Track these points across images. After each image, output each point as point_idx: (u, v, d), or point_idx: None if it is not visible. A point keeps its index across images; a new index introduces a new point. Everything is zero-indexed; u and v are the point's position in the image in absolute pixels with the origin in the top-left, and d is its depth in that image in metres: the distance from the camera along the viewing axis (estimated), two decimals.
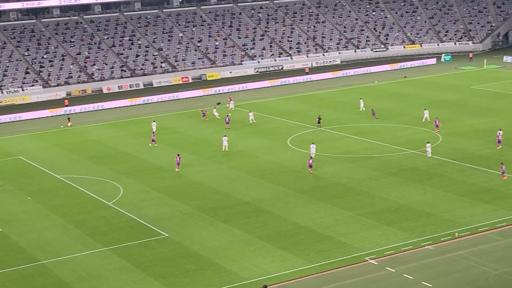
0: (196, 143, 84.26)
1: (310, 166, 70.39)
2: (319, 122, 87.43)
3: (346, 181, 67.16)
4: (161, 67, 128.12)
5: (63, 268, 50.95)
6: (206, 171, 72.87)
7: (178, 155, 73.97)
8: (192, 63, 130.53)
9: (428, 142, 74.22)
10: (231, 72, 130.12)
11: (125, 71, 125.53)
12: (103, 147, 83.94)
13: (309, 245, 52.92)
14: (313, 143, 75.19)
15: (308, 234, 55.03)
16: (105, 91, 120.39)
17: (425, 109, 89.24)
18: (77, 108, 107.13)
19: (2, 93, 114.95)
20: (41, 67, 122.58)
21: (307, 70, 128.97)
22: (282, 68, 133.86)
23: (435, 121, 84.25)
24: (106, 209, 63.06)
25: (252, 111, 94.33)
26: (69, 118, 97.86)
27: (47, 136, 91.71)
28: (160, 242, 54.92)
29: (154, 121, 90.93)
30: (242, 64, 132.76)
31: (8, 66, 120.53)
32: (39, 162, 78.81)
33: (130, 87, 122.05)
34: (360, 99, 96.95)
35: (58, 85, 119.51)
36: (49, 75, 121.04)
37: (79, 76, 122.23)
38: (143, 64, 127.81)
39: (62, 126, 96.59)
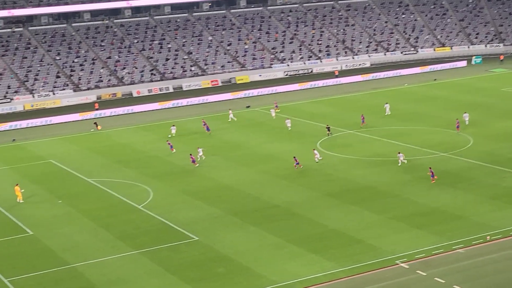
0: (225, 146, 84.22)
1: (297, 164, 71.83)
2: (329, 130, 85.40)
3: (376, 184, 66.71)
4: (190, 70, 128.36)
5: (93, 271, 51.08)
6: (235, 174, 72.78)
7: (191, 154, 75.50)
8: (222, 67, 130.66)
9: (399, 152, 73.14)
10: (260, 75, 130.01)
11: (155, 74, 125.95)
12: (132, 150, 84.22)
13: (340, 249, 52.60)
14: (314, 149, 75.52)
15: (338, 238, 54.70)
16: (135, 94, 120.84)
17: (465, 113, 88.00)
18: (107, 112, 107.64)
19: (34, 97, 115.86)
20: (71, 71, 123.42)
21: (336, 73, 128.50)
22: (311, 71, 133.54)
23: (457, 122, 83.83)
24: (136, 212, 63.18)
25: (289, 118, 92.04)
26: (96, 123, 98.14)
27: (77, 140, 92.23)
28: (190, 246, 54.88)
29: (173, 125, 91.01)
30: (271, 67, 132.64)
31: (39, 70, 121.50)
32: (70, 165, 79.24)
33: (160, 91, 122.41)
34: (386, 103, 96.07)
35: (88, 88, 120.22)
36: (79, 79, 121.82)
37: (109, 80, 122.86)
38: (172, 68, 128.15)
39: (92, 130, 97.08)
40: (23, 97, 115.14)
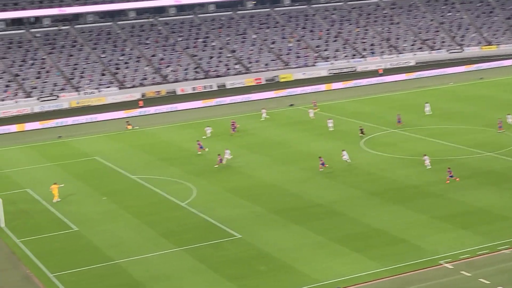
0: (267, 144, 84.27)
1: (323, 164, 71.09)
2: (362, 133, 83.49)
3: (419, 183, 66.16)
4: (234, 68, 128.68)
5: (136, 268, 51.50)
6: (277, 172, 72.77)
7: (219, 155, 75.17)
8: (265, 65, 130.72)
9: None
10: (304, 73, 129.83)
11: (198, 72, 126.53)
12: (176, 148, 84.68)
13: (383, 248, 52.29)
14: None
15: (381, 237, 54.39)
16: (178, 92, 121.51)
17: (509, 114, 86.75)
18: (151, 109, 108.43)
19: (79, 94, 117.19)
20: (116, 68, 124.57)
21: (380, 72, 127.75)
22: (355, 70, 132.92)
23: (499, 122, 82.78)
24: (179, 209, 63.53)
25: (331, 118, 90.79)
26: (127, 122, 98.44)
27: (121, 137, 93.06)
28: (232, 243, 55.01)
29: (208, 126, 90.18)
30: (315, 65, 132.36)
31: (85, 68, 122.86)
32: (114, 162, 79.96)
33: (204, 89, 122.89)
34: (427, 103, 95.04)
35: (133, 86, 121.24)
36: (124, 77, 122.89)
37: (153, 78, 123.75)
38: (216, 66, 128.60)
39: (137, 127, 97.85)
40: (69, 95, 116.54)
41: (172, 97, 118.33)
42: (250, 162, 76.52)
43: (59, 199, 66.78)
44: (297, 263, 50.56)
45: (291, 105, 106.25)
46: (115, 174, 75.75)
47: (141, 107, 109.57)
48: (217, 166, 74.59)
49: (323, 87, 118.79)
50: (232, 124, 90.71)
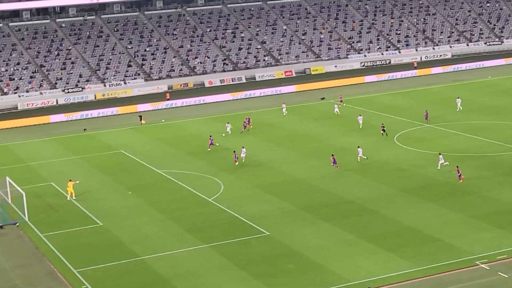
0: (297, 138, 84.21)
1: (334, 163, 70.66)
2: (383, 130, 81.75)
3: (455, 180, 65.71)
4: (264, 60, 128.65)
5: (162, 264, 51.79)
6: (306, 167, 72.71)
7: (234, 151, 74.90)
8: (296, 57, 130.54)
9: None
10: (336, 66, 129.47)
11: (227, 64, 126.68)
12: (204, 142, 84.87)
13: (416, 247, 52.09)
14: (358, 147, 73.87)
15: (414, 236, 54.17)
16: (207, 85, 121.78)
17: None
18: (178, 102, 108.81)
19: (105, 86, 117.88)
20: (143, 60, 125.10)
21: (415, 64, 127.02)
22: (389, 62, 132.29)
23: None
24: (206, 205, 63.75)
25: (361, 115, 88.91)
26: (140, 116, 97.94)
27: (148, 130, 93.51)
28: (260, 240, 55.11)
29: (228, 122, 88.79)
30: (347, 57, 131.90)
31: (111, 59, 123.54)
32: (140, 156, 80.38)
33: (232, 81, 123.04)
34: (458, 98, 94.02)
35: (160, 78, 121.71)
36: (151, 68, 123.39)
37: (181, 70, 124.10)
38: (245, 58, 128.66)
39: (163, 120, 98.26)
40: (95, 86, 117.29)
41: (200, 90, 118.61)
42: (279, 157, 76.53)
43: (74, 198, 66.84)
44: (326, 262, 50.54)
45: (323, 98, 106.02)
46: (141, 168, 76.15)
47: (168, 99, 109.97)
48: (237, 163, 74.40)
49: (355, 80, 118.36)
50: (247, 121, 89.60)
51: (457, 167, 66.15)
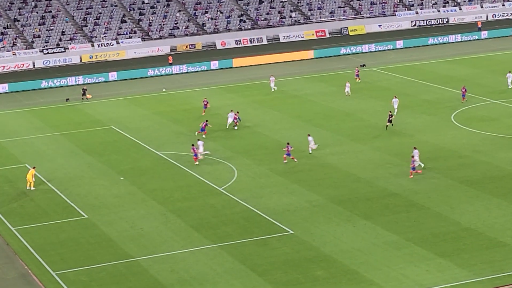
0: (331, 116, 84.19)
1: (288, 155, 69.39)
2: (390, 121, 78.03)
3: None
4: (290, 17, 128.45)
5: (161, 267, 52.03)
6: (344, 152, 72.74)
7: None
8: (330, 13, 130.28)
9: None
10: (380, 25, 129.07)
11: (244, 21, 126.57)
12: (215, 117, 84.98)
13: (477, 253, 52.10)
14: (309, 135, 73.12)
15: (475, 239, 54.17)
16: (219, 46, 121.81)
17: None
18: (183, 68, 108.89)
19: (93, 46, 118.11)
20: (140, 14, 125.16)
21: (480, 25, 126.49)
22: (447, 22, 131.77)
23: None
24: (216, 196, 63.95)
25: (397, 97, 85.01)
26: (84, 90, 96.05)
27: (145, 102, 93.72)
28: (283, 241, 55.26)
29: (232, 111, 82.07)
30: (395, 15, 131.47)
31: (100, 13, 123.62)
32: (135, 134, 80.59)
33: (251, 42, 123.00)
34: (509, 72, 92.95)
35: (160, 37, 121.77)
36: (150, 25, 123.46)
37: (187, 27, 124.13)
38: (267, 13, 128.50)
39: (164, 90, 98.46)
40: (80, 46, 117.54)
41: (210, 52, 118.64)
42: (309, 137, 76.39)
43: (33, 188, 66.61)
44: (364, 268, 50.65)
45: (363, 65, 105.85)
46: (136, 148, 76.43)
47: (170, 64, 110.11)
48: (196, 163, 71.14)
49: (403, 43, 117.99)
50: (204, 104, 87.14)
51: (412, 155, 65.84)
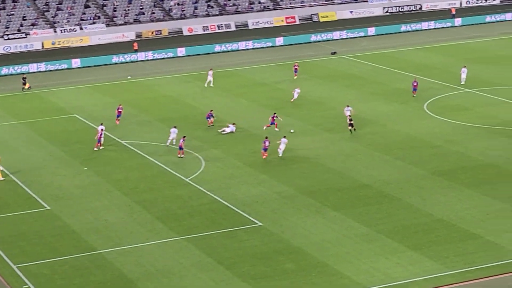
0: (301, 104, 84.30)
1: (265, 150, 69.07)
2: (351, 125, 74.67)
3: (502, 161, 66.12)
4: (259, 3, 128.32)
5: (126, 260, 52.01)
6: (314, 142, 72.93)
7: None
8: None
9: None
10: (352, 12, 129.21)
11: (212, 7, 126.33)
12: (181, 105, 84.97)
13: (449, 245, 52.43)
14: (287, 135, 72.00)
15: (447, 230, 54.52)
16: (185, 33, 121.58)
17: None
18: (149, 55, 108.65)
19: (55, 31, 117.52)
20: None
21: (453, 12, 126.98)
22: (420, 8, 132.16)
23: None
24: (182, 186, 63.97)
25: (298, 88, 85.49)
26: (24, 79, 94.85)
27: (110, 90, 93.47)
28: (251, 233, 55.39)
29: (175, 126, 74.08)
30: (367, 1, 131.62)
31: None
32: (99, 122, 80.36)
33: (218, 29, 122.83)
34: (464, 67, 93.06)
35: (125, 23, 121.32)
36: (114, 10, 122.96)
37: (152, 13, 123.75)
38: None
39: (129, 77, 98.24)
40: (42, 32, 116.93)
41: (177, 39, 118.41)
42: (280, 127, 76.35)
43: (3, 178, 66.63)
44: (334, 261, 50.87)
45: (334, 53, 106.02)
46: None
47: (135, 50, 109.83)
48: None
49: (375, 30, 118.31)
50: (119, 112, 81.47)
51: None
